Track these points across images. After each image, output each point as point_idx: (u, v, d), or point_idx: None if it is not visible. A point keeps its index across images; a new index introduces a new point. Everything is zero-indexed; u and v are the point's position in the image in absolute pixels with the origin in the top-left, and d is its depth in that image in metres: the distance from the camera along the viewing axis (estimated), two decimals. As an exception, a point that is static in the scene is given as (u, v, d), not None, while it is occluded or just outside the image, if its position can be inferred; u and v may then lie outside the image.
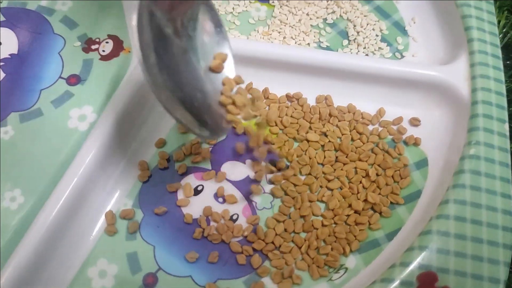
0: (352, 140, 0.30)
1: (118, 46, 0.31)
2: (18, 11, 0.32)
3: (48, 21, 0.32)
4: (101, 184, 0.27)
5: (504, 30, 0.35)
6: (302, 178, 0.28)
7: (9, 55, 0.31)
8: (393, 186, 0.28)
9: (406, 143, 0.30)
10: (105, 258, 0.26)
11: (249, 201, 0.27)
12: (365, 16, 0.34)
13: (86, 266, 0.25)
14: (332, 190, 0.28)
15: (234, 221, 0.27)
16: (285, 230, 0.27)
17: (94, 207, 0.26)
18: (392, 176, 0.28)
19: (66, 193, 0.25)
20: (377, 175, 0.28)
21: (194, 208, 0.27)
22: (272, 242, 0.26)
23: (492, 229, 0.24)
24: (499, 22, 0.34)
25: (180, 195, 0.27)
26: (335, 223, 0.27)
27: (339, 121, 0.30)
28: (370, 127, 0.30)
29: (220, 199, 0.27)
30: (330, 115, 0.30)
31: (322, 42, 0.33)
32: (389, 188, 0.28)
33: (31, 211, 0.25)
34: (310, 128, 0.30)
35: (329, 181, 0.28)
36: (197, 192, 0.28)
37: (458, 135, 0.29)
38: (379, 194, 0.28)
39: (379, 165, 0.29)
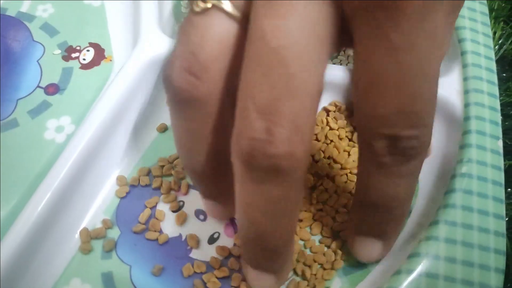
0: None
1: (100, 54, 0.30)
2: (-4, 17, 0.31)
3: (28, 28, 0.31)
4: (76, 199, 0.25)
5: (500, 41, 0.34)
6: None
7: (-15, 63, 0.30)
8: None
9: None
10: (78, 277, 0.24)
11: (232, 218, 0.26)
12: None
13: (58, 286, 0.24)
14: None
15: (215, 240, 0.26)
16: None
17: (68, 224, 0.25)
18: None
19: (39, 209, 0.23)
20: None
21: (171, 225, 0.26)
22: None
23: (483, 252, 0.23)
24: (494, 33, 0.33)
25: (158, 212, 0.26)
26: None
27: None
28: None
29: (201, 216, 0.26)
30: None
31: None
32: None
33: (2, 225, 0.24)
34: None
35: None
36: (177, 208, 0.26)
37: (451, 151, 0.27)
38: None
39: None
